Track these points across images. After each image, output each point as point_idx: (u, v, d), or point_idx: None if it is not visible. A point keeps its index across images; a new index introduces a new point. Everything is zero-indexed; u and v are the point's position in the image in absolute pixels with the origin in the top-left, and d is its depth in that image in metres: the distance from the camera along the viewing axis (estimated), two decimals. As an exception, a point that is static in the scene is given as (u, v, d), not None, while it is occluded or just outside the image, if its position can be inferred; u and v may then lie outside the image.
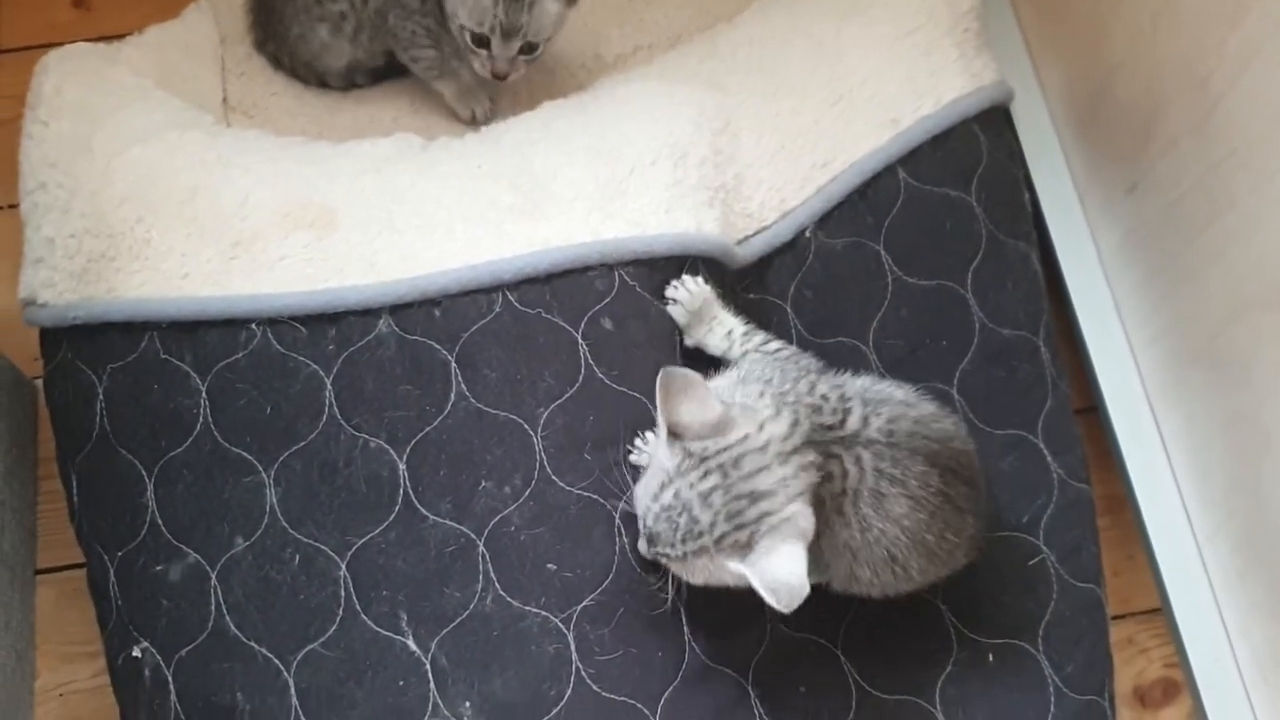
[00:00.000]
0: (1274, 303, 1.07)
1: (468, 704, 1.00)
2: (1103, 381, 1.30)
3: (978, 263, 1.24)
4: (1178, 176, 1.18)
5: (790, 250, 1.24)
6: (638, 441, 1.08)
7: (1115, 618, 1.21)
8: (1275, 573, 1.12)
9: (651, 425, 1.08)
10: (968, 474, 1.04)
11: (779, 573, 0.89)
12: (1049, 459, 1.20)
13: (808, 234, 1.24)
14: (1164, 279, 1.23)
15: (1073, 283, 1.33)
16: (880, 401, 1.01)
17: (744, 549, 0.91)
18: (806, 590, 0.88)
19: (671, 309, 1.12)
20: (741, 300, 1.21)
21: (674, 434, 0.93)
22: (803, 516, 0.93)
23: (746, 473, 0.92)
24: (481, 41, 1.27)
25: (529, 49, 1.28)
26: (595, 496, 1.06)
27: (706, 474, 0.92)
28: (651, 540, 0.95)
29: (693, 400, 0.92)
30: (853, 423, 0.98)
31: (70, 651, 1.26)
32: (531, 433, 1.06)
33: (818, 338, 1.23)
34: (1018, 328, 1.24)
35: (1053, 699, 1.12)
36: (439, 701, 1.00)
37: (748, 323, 1.13)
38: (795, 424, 0.96)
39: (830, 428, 0.97)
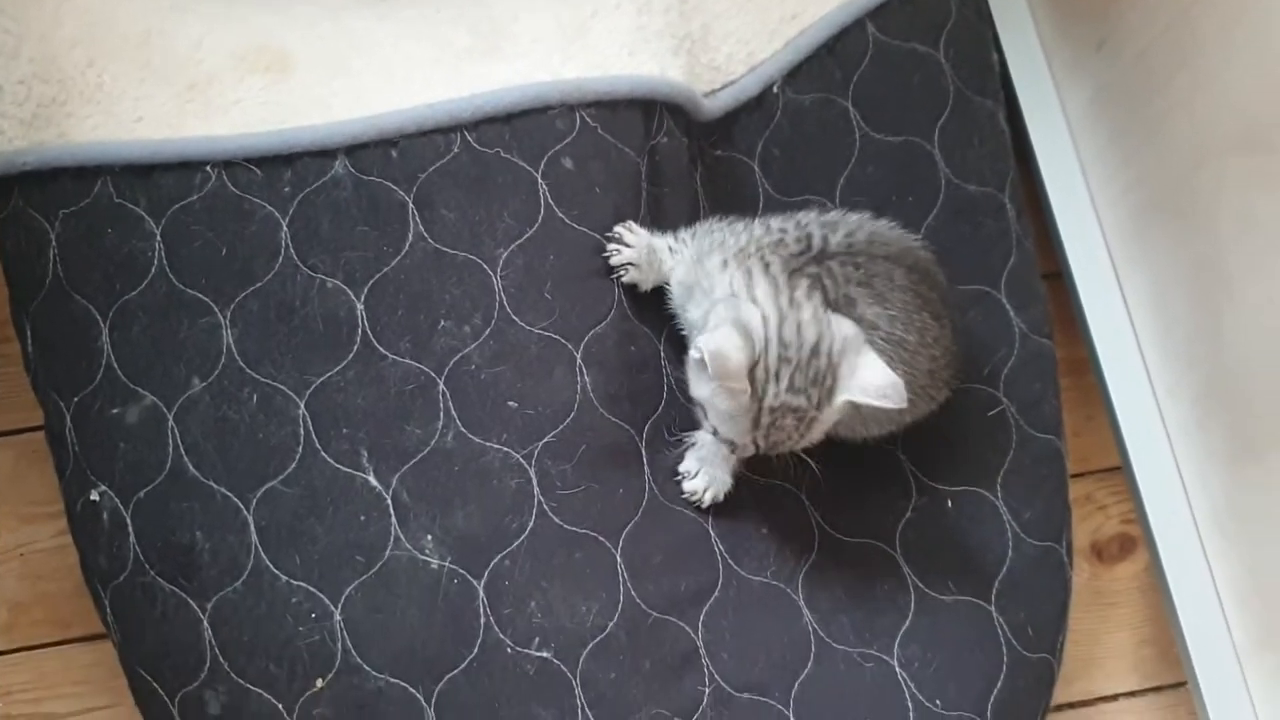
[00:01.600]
0: (1238, 147, 1.07)
1: (429, 537, 1.00)
2: (1067, 243, 1.30)
3: (945, 119, 1.24)
4: (1146, 25, 1.17)
5: (758, 107, 1.23)
6: (618, 229, 1.09)
7: (1075, 476, 1.22)
8: (1234, 418, 1.13)
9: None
10: (933, 279, 1.09)
11: (876, 380, 0.95)
12: (1011, 313, 1.21)
13: (775, 89, 1.23)
14: (1131, 135, 1.23)
15: (1039, 143, 1.32)
16: (834, 222, 1.06)
17: (834, 389, 0.96)
18: (901, 381, 0.95)
19: (624, 276, 1.09)
20: (709, 157, 1.21)
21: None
22: (846, 324, 0.98)
23: (795, 342, 0.95)
24: None
25: None
26: (556, 336, 1.05)
27: (778, 375, 0.95)
28: (772, 446, 0.99)
29: (738, 359, 0.93)
30: (815, 242, 1.01)
31: (30, 512, 1.25)
32: (490, 272, 1.05)
33: (785, 195, 1.23)
34: (983, 184, 1.24)
35: (1010, 544, 1.14)
36: (400, 535, 1.00)
37: (673, 230, 1.12)
38: (768, 269, 0.99)
39: (798, 254, 1.00)
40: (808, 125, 1.23)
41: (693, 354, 0.98)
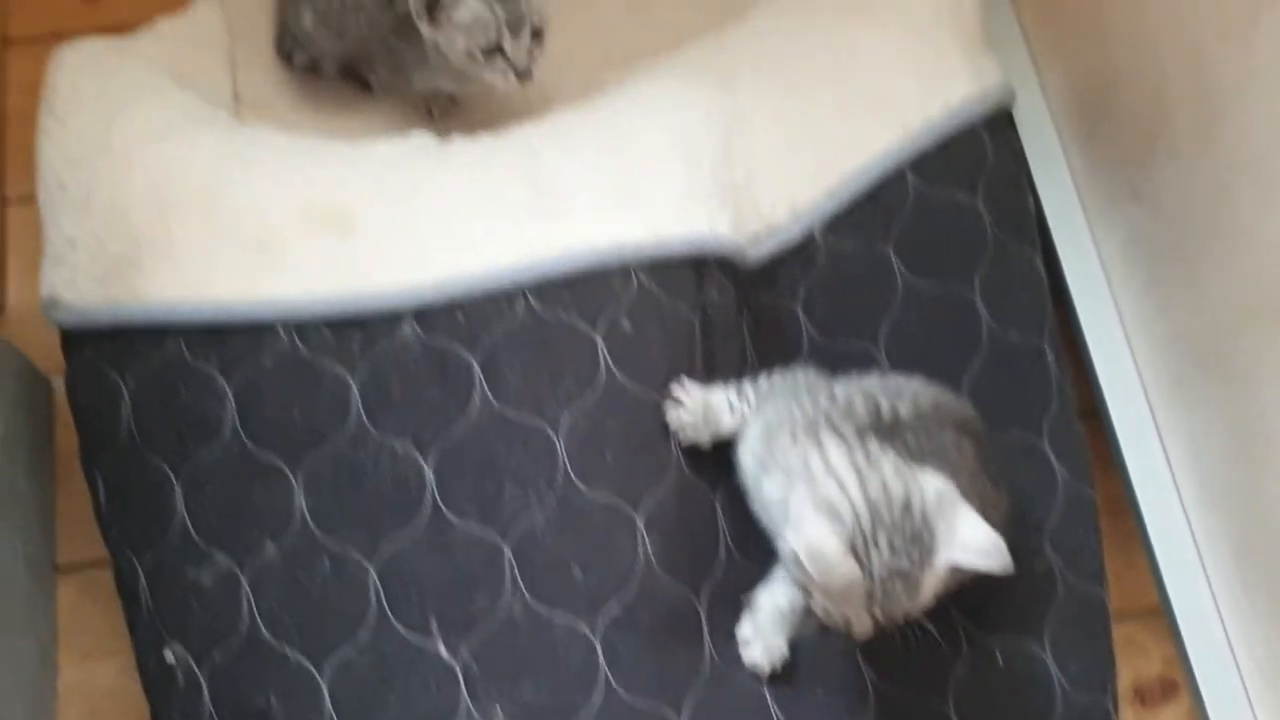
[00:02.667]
0: (1277, 314, 1.10)
1: (499, 709, 1.02)
2: (1105, 385, 1.32)
3: (985, 267, 1.27)
4: (1181, 185, 1.20)
5: (801, 251, 1.26)
6: (674, 389, 1.11)
7: (1115, 617, 1.24)
8: (1273, 572, 1.15)
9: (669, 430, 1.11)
10: (990, 449, 1.10)
11: (978, 540, 0.92)
12: (1053, 461, 1.23)
13: (817, 235, 1.26)
14: (1166, 286, 1.26)
15: (1075, 286, 1.34)
16: (896, 391, 1.06)
17: (934, 548, 0.93)
18: (1003, 541, 0.92)
19: (683, 433, 1.11)
20: (753, 301, 1.24)
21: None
22: (935, 478, 0.95)
23: (883, 500, 0.93)
24: (493, 51, 1.26)
25: (537, 35, 1.28)
26: (618, 500, 1.08)
27: (877, 541, 0.92)
28: (888, 618, 0.95)
29: (834, 546, 0.90)
30: (885, 412, 1.01)
31: (92, 648, 1.27)
32: (554, 436, 1.08)
33: (829, 340, 1.26)
34: (1024, 332, 1.26)
35: (1059, 699, 1.15)
36: (470, 706, 1.02)
37: (733, 382, 1.13)
38: (839, 433, 0.99)
39: (868, 425, 1.00)
40: (850, 270, 1.26)
41: (785, 546, 0.95)
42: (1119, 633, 1.25)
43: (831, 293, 1.26)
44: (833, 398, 1.03)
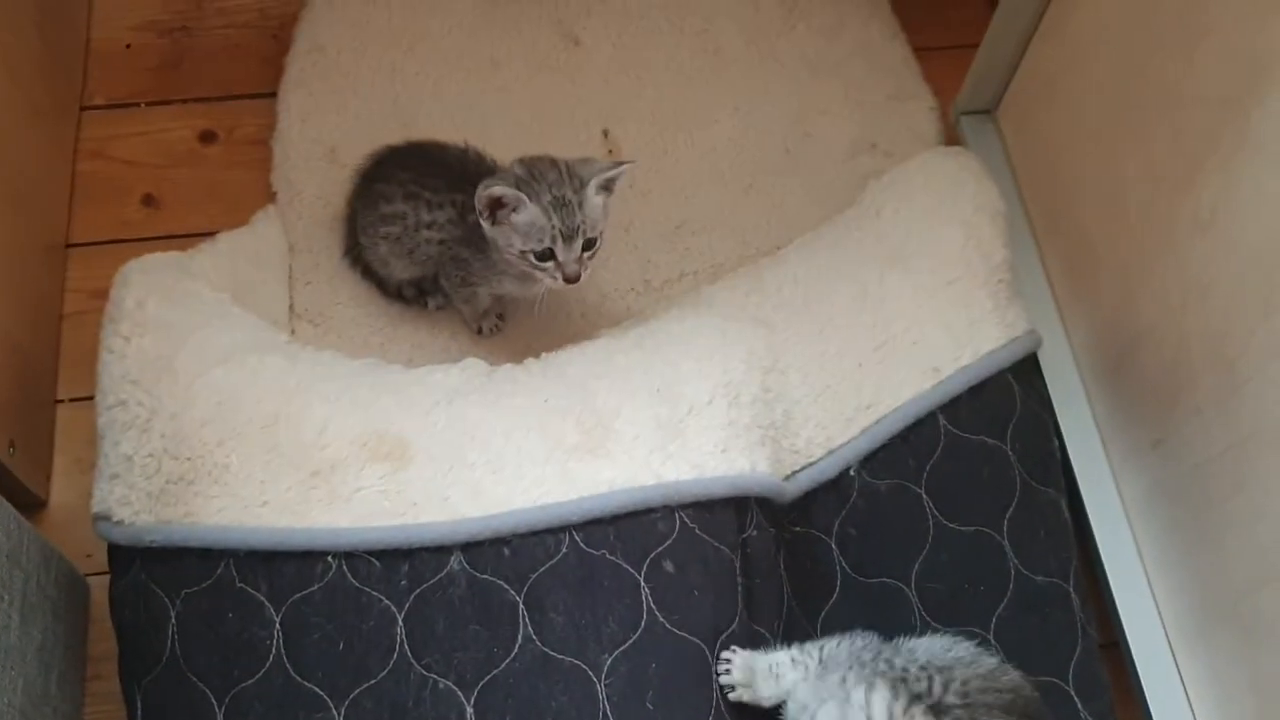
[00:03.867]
0: (1300, 578, 1.13)
1: None
2: (1126, 623, 1.34)
3: (1013, 510, 1.31)
4: (1202, 444, 1.25)
5: (835, 488, 1.30)
6: (724, 655, 1.12)
7: None
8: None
9: (709, 671, 1.12)
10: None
11: None
12: (1079, 705, 1.25)
13: (852, 472, 1.30)
14: (1187, 535, 1.29)
15: (1098, 528, 1.38)
16: (948, 666, 1.07)
17: None
18: None
19: (735, 695, 1.14)
20: (788, 534, 1.27)
21: None
22: None
23: None
24: (545, 255, 1.33)
25: (589, 245, 1.34)
26: (659, 747, 1.09)
27: None
28: None
29: None
30: (936, 690, 1.03)
31: None
32: (595, 680, 1.09)
33: (862, 576, 1.29)
34: (1049, 575, 1.29)
35: None
36: None
37: (781, 648, 1.16)
38: (893, 688, 1.02)
39: (919, 696, 1.02)
40: (883, 509, 1.30)
41: None
42: None
43: (865, 529, 1.30)
44: (890, 665, 1.07)
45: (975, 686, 1.05)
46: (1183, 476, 1.29)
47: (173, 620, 1.13)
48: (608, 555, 1.14)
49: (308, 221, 1.58)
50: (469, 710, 1.08)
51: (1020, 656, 1.24)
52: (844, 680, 1.06)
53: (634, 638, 1.11)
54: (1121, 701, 1.32)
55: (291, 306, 1.53)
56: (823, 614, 1.28)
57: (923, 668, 1.06)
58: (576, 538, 1.14)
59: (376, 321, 1.53)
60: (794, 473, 1.30)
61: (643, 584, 1.13)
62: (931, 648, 1.11)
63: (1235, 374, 1.18)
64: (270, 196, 1.61)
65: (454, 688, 1.08)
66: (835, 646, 1.13)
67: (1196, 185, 1.20)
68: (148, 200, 1.65)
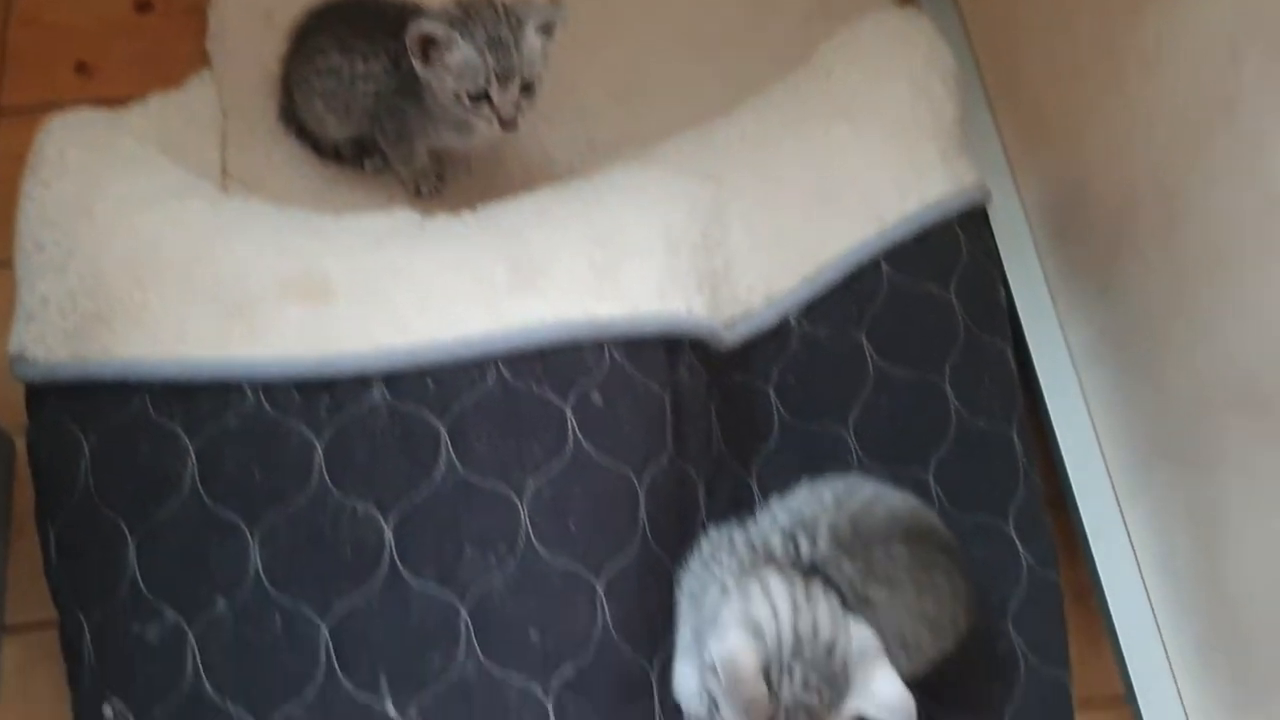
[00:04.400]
0: (1236, 405, 1.12)
1: None
2: (1072, 475, 1.33)
3: (955, 356, 1.28)
4: (1146, 282, 1.23)
5: (775, 337, 1.28)
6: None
7: (1080, 704, 1.23)
8: (1235, 663, 1.15)
9: (636, 501, 1.10)
10: (928, 529, 1.11)
11: (889, 697, 0.96)
12: (1019, 547, 1.24)
13: (793, 321, 1.28)
14: (1131, 377, 1.28)
15: (1045, 379, 1.36)
16: (812, 520, 1.08)
17: (846, 694, 0.97)
18: (913, 701, 0.95)
19: None
20: (725, 383, 1.25)
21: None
22: (864, 632, 0.99)
23: (810, 637, 0.97)
24: (480, 97, 1.29)
25: (527, 89, 1.31)
26: (579, 568, 1.07)
27: (793, 672, 0.96)
28: None
29: (750, 663, 0.94)
30: (804, 552, 1.05)
31: (34, 711, 1.24)
32: (518, 503, 1.07)
33: (800, 421, 1.27)
34: (992, 420, 1.28)
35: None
36: None
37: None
38: (780, 570, 1.02)
39: (794, 564, 1.04)
40: (823, 356, 1.27)
41: (705, 657, 0.98)
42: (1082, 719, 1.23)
43: (804, 376, 1.27)
44: (750, 545, 1.07)
45: (844, 529, 1.06)
46: (1127, 319, 1.28)
47: (86, 455, 1.10)
48: (534, 387, 1.11)
49: (243, 86, 1.54)
50: (387, 532, 1.06)
51: (960, 498, 1.24)
52: (725, 592, 1.04)
53: (558, 465, 1.09)
54: (1066, 559, 1.30)
55: (225, 169, 1.50)
56: (759, 459, 1.27)
57: (786, 533, 1.07)
58: (503, 371, 1.12)
59: (312, 184, 1.50)
60: (734, 322, 1.27)
61: (569, 414, 1.11)
62: (794, 501, 1.12)
63: (1176, 208, 1.16)
64: (206, 64, 1.57)
65: (373, 510, 1.06)
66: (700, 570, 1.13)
67: (1143, 15, 1.17)
68: (80, 68, 1.61)
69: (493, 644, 1.04)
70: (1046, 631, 1.21)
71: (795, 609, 0.97)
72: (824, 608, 0.98)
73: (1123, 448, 1.31)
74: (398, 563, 1.05)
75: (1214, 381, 1.14)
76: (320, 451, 1.08)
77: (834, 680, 0.97)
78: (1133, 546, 1.30)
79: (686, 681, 1.09)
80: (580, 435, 1.10)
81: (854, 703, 0.97)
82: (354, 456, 1.08)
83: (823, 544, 1.06)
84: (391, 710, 1.02)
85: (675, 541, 1.13)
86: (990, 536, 1.23)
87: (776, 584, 1.00)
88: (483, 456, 1.08)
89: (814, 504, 1.12)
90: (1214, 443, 1.15)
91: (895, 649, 1.05)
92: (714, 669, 0.94)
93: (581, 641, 1.06)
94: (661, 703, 1.09)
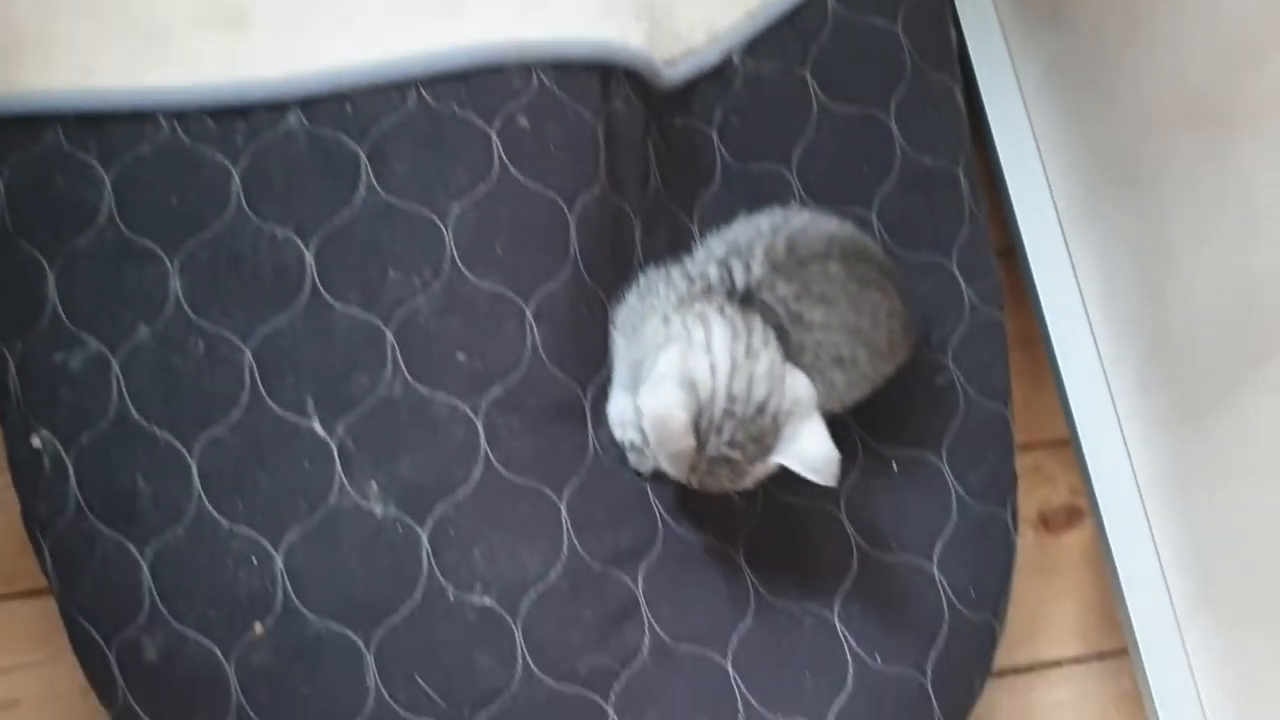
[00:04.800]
0: (1184, 119, 1.09)
1: (374, 484, 1.00)
2: (1020, 217, 1.32)
3: (901, 92, 1.24)
4: (1096, 2, 1.18)
5: (717, 76, 1.23)
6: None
7: (1024, 447, 1.24)
8: (1176, 382, 1.15)
9: (567, 228, 1.08)
10: (863, 251, 1.10)
11: (814, 453, 0.95)
12: (962, 285, 1.22)
13: (735, 59, 1.23)
14: (1083, 108, 1.25)
15: (995, 119, 1.34)
16: (747, 245, 1.06)
17: (771, 449, 0.96)
18: (838, 457, 0.95)
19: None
20: (666, 125, 1.21)
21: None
22: (801, 386, 0.97)
23: (743, 397, 0.95)
24: None
25: None
26: (507, 291, 1.05)
27: (721, 429, 0.95)
28: (704, 488, 0.99)
29: (681, 420, 0.93)
30: (739, 280, 1.03)
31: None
32: (442, 226, 1.05)
33: (743, 164, 1.23)
34: (938, 156, 1.24)
35: (955, 507, 1.15)
36: (345, 482, 1.00)
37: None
38: (723, 312, 0.99)
39: (730, 292, 1.02)
40: (766, 95, 1.23)
41: (637, 401, 0.97)
42: (1026, 461, 1.25)
43: (747, 117, 1.23)
44: (688, 277, 1.05)
45: (779, 251, 1.04)
46: (1078, 45, 1.24)
47: (1, 189, 1.07)
48: (456, 109, 1.07)
49: None
50: (308, 256, 1.03)
51: (903, 235, 1.22)
52: (665, 321, 1.02)
53: (484, 187, 1.06)
54: (1014, 307, 1.29)
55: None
56: (701, 202, 1.24)
57: (720, 262, 1.05)
58: (424, 93, 1.07)
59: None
60: (674, 59, 1.23)
61: (494, 137, 1.07)
62: (730, 232, 1.11)
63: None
64: None
65: (293, 236, 1.04)
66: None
67: None
68: None
69: (419, 365, 1.03)
70: (988, 365, 1.20)
71: (734, 366, 0.95)
72: (764, 364, 0.96)
73: (1071, 182, 1.28)
74: (320, 286, 1.03)
75: (1162, 99, 1.11)
76: (237, 178, 1.05)
77: (761, 437, 0.95)
78: (1079, 286, 1.29)
79: (620, 411, 1.09)
80: (506, 159, 1.07)
81: (778, 457, 0.96)
82: (271, 182, 1.05)
83: (757, 267, 1.04)
84: (319, 429, 1.01)
85: (610, 276, 1.11)
86: (934, 274, 1.21)
87: (719, 334, 0.97)
88: (404, 180, 1.05)
89: (749, 231, 1.10)
90: (1160, 161, 1.13)
91: (832, 369, 1.05)
92: (644, 417, 0.94)
93: (511, 364, 1.04)
94: (596, 430, 1.09)
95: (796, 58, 1.24)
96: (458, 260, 1.04)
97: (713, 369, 0.95)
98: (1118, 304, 1.23)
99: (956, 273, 1.22)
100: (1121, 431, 1.24)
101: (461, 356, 1.03)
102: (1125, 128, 1.17)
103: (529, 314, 1.05)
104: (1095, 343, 1.27)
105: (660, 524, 1.08)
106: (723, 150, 1.24)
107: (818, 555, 1.12)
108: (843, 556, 1.13)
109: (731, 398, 0.95)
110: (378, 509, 1.00)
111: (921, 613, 1.12)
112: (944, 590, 1.12)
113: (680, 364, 0.95)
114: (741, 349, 0.97)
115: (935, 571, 1.13)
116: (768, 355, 0.97)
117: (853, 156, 1.23)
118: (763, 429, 0.96)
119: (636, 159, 1.17)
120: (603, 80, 1.13)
